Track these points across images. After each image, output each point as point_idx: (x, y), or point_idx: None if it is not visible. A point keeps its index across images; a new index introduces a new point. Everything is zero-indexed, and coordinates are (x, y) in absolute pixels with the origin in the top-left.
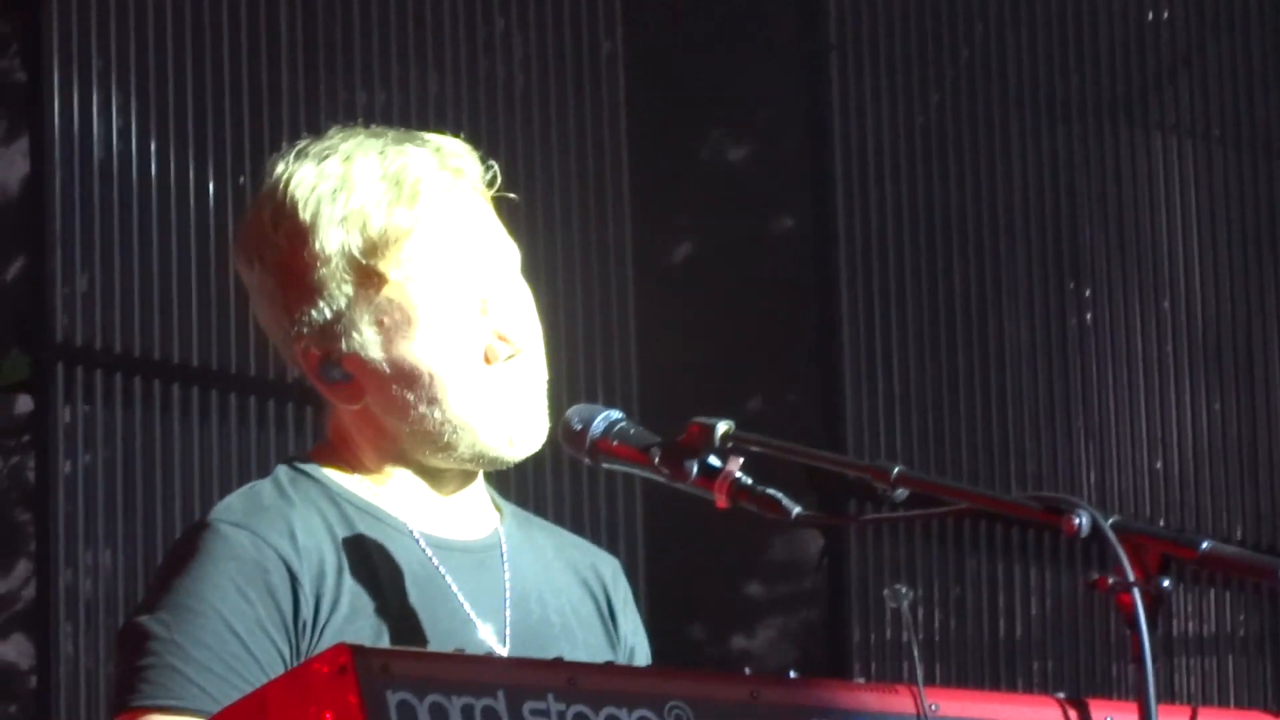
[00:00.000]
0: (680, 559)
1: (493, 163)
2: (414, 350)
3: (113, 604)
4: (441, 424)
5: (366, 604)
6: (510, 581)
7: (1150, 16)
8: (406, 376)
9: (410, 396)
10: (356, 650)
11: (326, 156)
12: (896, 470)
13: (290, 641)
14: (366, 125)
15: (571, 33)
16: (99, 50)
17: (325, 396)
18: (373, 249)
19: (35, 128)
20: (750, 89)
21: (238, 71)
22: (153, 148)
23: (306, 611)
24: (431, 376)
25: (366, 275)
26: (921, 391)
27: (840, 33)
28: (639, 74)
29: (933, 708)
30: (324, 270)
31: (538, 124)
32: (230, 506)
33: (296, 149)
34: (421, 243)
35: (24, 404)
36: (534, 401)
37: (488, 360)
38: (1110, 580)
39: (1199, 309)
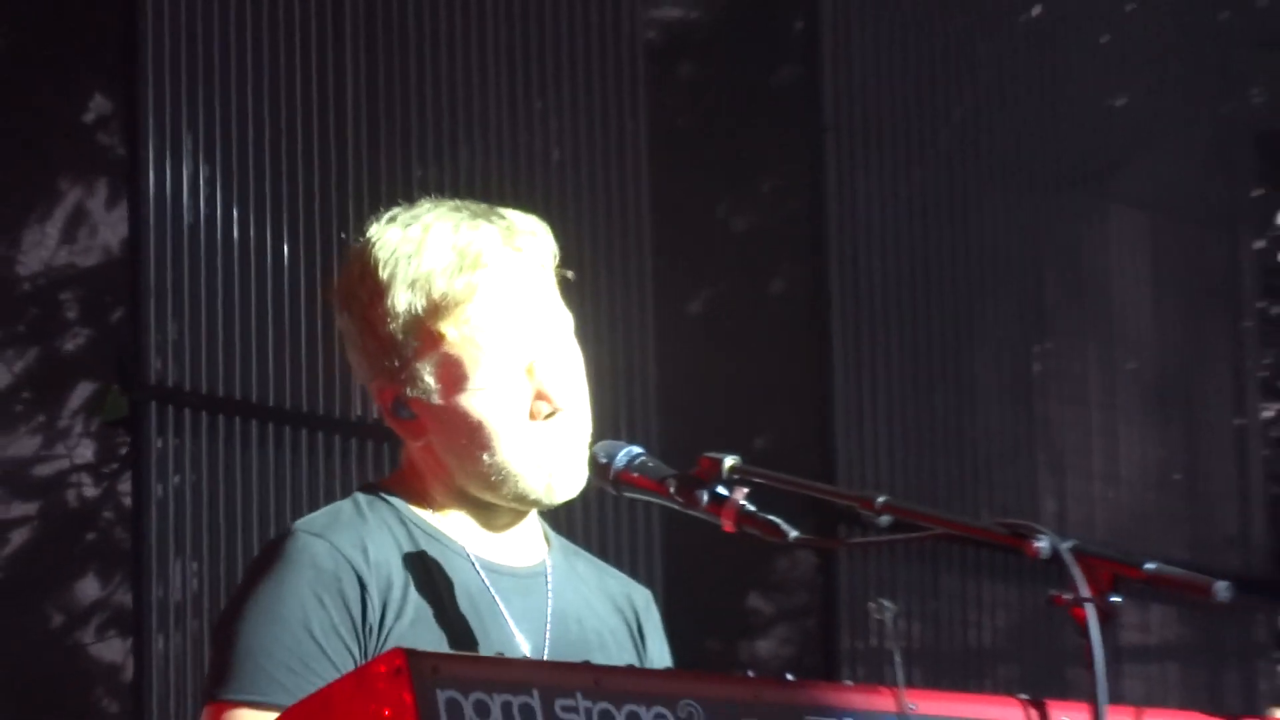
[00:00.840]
0: (693, 576)
1: (552, 239)
2: (467, 402)
3: (198, 610)
4: (490, 467)
5: (427, 615)
6: (553, 604)
7: (1109, 104)
8: (461, 423)
9: (464, 441)
10: (410, 654)
11: (410, 224)
12: (881, 499)
13: (359, 643)
14: (451, 197)
15: (601, 114)
16: (188, 128)
17: (396, 431)
18: (435, 310)
19: (133, 196)
20: (756, 164)
21: (310, 147)
22: (234, 213)
23: (373, 617)
24: (482, 425)
25: (429, 333)
26: (904, 430)
27: (836, 115)
28: (659, 150)
29: (911, 707)
30: (394, 325)
31: (571, 193)
32: (313, 520)
33: (389, 214)
34: (479, 308)
35: (122, 436)
36: (573, 454)
37: (532, 417)
38: (1066, 596)
39: (1146, 358)
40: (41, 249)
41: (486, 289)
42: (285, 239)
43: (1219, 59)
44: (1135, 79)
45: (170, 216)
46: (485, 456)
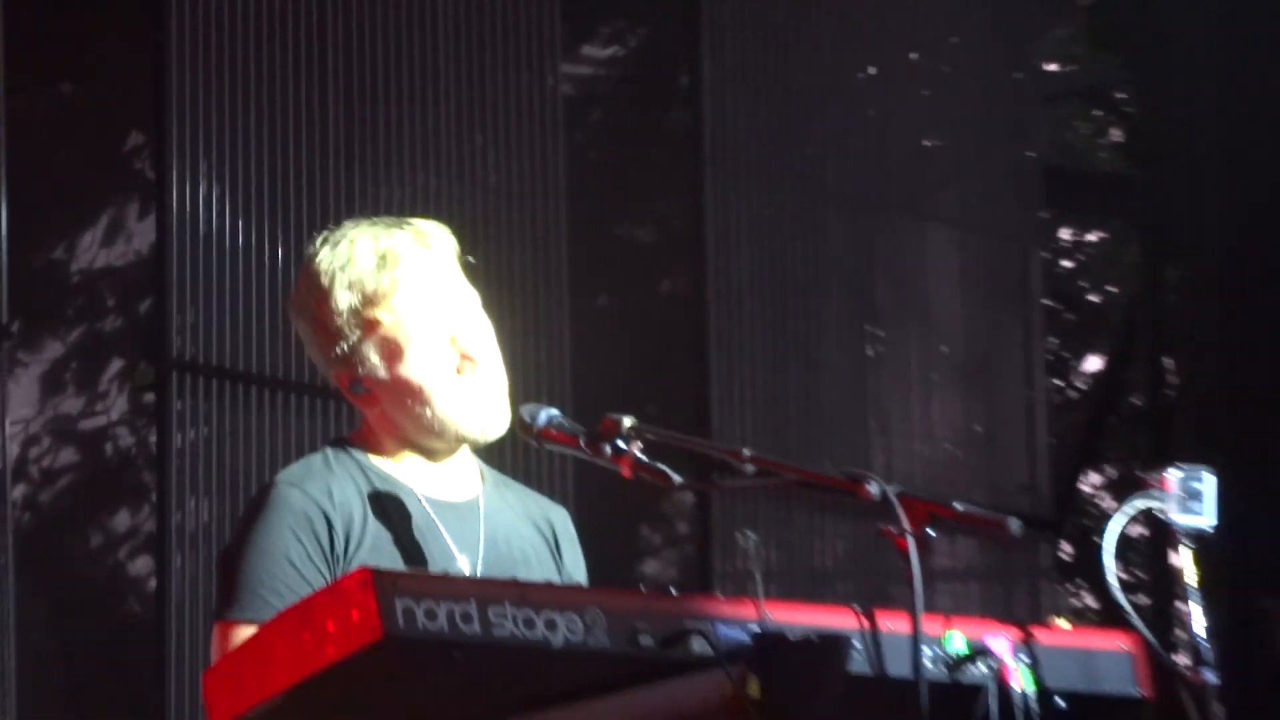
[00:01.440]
0: (598, 512)
1: (452, 235)
2: (406, 371)
3: (209, 537)
4: (432, 420)
5: (385, 542)
6: (485, 530)
7: (926, 143)
8: (404, 389)
9: (409, 402)
10: (375, 571)
11: (339, 241)
12: (747, 452)
13: (330, 569)
14: (375, 215)
15: (529, 149)
16: (204, 157)
17: (355, 404)
18: (369, 303)
19: (160, 210)
20: (651, 190)
21: (300, 172)
22: (240, 223)
23: (339, 548)
24: (421, 388)
25: (367, 321)
26: (765, 399)
27: (714, 151)
28: (574, 178)
29: (768, 614)
30: (340, 320)
31: (504, 210)
32: (290, 472)
33: (321, 236)
34: (403, 296)
35: (149, 399)
36: (496, 400)
37: (458, 373)
38: (892, 529)
39: (958, 344)
40: (88, 252)
41: (406, 281)
42: (280, 242)
43: (1014, 109)
44: (948, 124)
45: (189, 226)
46: (427, 411)
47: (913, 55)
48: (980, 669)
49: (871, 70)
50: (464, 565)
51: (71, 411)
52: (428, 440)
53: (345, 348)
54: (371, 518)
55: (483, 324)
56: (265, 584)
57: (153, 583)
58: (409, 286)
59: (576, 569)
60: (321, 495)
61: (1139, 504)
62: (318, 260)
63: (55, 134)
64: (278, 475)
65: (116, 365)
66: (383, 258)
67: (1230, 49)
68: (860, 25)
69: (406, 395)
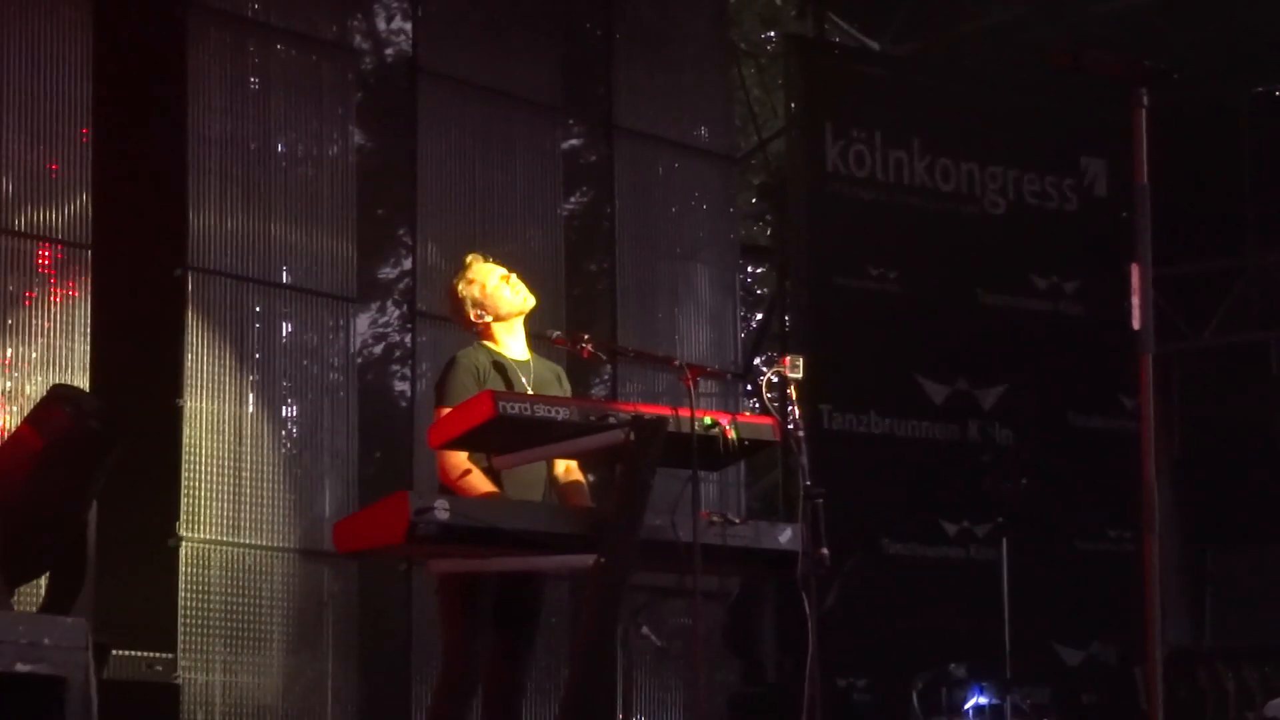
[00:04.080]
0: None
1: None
2: (489, 299)
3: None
4: (506, 313)
5: (497, 382)
6: (534, 373)
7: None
8: (489, 306)
9: (496, 310)
10: (493, 392)
11: (467, 266)
12: (587, 336)
13: (480, 388)
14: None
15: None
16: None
17: (474, 328)
18: (468, 281)
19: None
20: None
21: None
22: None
23: (481, 384)
24: (497, 302)
25: (469, 285)
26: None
27: None
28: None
29: (641, 412)
30: (463, 288)
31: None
32: (463, 352)
33: (465, 262)
34: (478, 275)
35: None
36: (527, 296)
37: (510, 289)
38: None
39: None
40: None
41: (476, 269)
42: None
43: None
44: None
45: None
46: (502, 306)
47: None
48: (716, 430)
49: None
50: (528, 387)
51: None
52: (504, 324)
53: (466, 307)
54: (491, 370)
55: (515, 277)
56: (455, 393)
57: None
58: (480, 272)
59: (566, 393)
60: (471, 361)
61: (776, 369)
62: (462, 271)
63: None
64: (457, 354)
65: None
66: (469, 264)
67: None
68: None
69: (491, 309)
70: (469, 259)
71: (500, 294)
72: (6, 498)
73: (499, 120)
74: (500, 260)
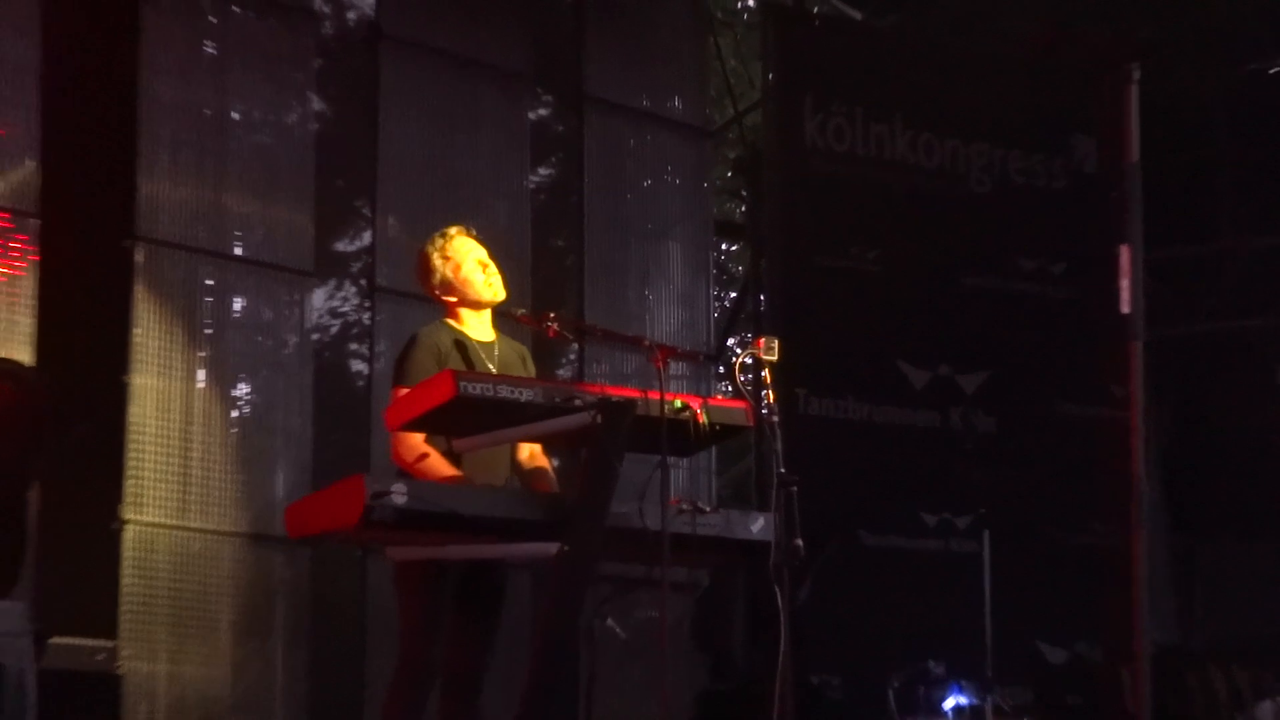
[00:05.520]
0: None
1: (475, 231)
2: (461, 279)
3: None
4: (475, 299)
5: (458, 362)
6: (498, 354)
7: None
8: (459, 289)
9: (463, 292)
10: (454, 371)
11: (438, 236)
12: (553, 315)
13: (439, 368)
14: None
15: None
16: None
17: (439, 302)
18: (444, 257)
19: None
20: None
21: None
22: None
23: (442, 364)
24: (470, 283)
25: (444, 260)
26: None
27: None
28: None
29: (609, 394)
30: (435, 261)
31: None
32: (424, 330)
33: (437, 234)
34: (455, 250)
35: None
36: (499, 284)
37: (483, 272)
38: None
39: None
40: None
41: (456, 244)
42: None
43: None
44: None
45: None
46: (471, 293)
47: None
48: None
49: None
50: (491, 367)
51: None
52: (472, 308)
53: (437, 277)
54: (453, 350)
55: (489, 260)
56: (413, 374)
57: None
58: (458, 246)
59: (530, 374)
60: (432, 340)
61: (750, 351)
62: (430, 243)
63: None
64: (419, 330)
65: None
66: (446, 235)
67: None
68: None
69: (460, 290)
70: (453, 230)
71: (473, 281)
72: None
73: (465, 89)
74: (484, 239)
